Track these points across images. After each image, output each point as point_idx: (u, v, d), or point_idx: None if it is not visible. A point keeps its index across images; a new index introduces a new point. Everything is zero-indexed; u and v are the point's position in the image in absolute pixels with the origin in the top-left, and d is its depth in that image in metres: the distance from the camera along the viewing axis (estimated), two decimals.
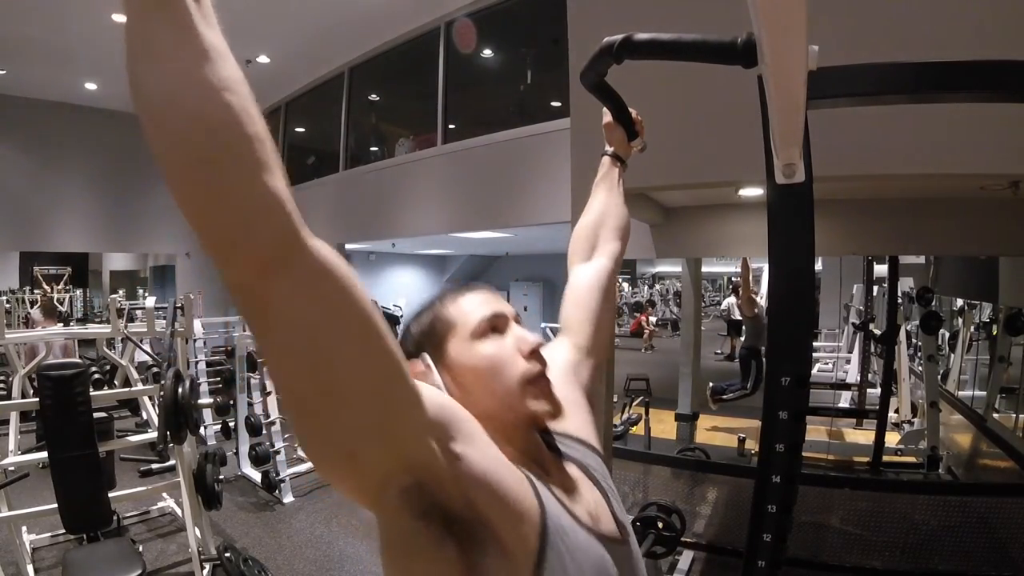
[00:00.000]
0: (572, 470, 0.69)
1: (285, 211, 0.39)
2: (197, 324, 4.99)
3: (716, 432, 4.80)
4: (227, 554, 2.77)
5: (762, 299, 5.33)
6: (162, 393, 2.62)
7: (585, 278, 0.94)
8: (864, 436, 4.19)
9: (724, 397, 4.95)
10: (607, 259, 0.98)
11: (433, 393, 0.53)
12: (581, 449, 0.74)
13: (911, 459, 3.72)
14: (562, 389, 0.71)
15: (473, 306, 0.68)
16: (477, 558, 0.51)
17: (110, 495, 2.69)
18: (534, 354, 0.66)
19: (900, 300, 3.84)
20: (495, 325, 0.67)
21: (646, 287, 13.91)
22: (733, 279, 5.35)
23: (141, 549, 2.62)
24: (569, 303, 0.92)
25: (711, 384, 5.14)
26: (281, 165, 0.39)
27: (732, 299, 6.27)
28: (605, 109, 1.09)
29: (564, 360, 0.83)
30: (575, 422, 0.76)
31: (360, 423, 0.45)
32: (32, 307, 7.71)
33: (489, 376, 0.64)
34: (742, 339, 5.64)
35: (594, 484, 0.70)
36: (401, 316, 6.46)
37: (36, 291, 8.46)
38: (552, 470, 0.66)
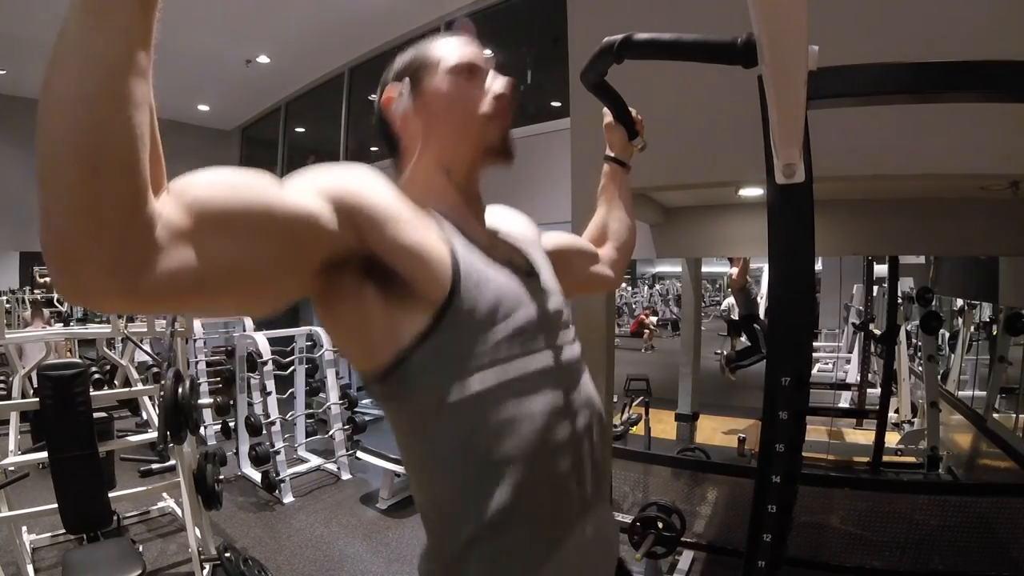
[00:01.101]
0: (503, 239, 0.80)
1: (150, 231, 0.42)
2: (197, 324, 4.99)
3: (716, 432, 4.80)
4: (227, 554, 2.76)
5: (762, 299, 5.33)
6: (162, 393, 2.62)
7: (583, 239, 1.08)
8: (864, 436, 4.19)
9: (741, 364, 4.95)
10: (605, 265, 1.07)
11: (331, 185, 0.58)
12: (520, 240, 0.83)
13: (911, 459, 3.72)
14: (521, 224, 0.88)
15: (456, 47, 0.76)
16: (395, 293, 0.61)
17: (110, 495, 2.69)
18: (501, 98, 0.75)
19: (900, 300, 3.84)
20: (472, 67, 0.75)
21: (646, 287, 13.90)
22: (732, 271, 5.35)
23: (141, 549, 2.62)
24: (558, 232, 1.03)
25: (723, 353, 5.16)
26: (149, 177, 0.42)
27: (731, 299, 6.26)
28: (605, 109, 1.09)
29: (533, 227, 0.94)
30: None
31: (283, 283, 0.55)
32: (32, 307, 7.72)
33: (456, 105, 0.73)
34: (742, 338, 5.64)
35: (522, 251, 0.80)
36: None
37: (36, 291, 8.45)
38: (482, 225, 0.77)
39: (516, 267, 0.74)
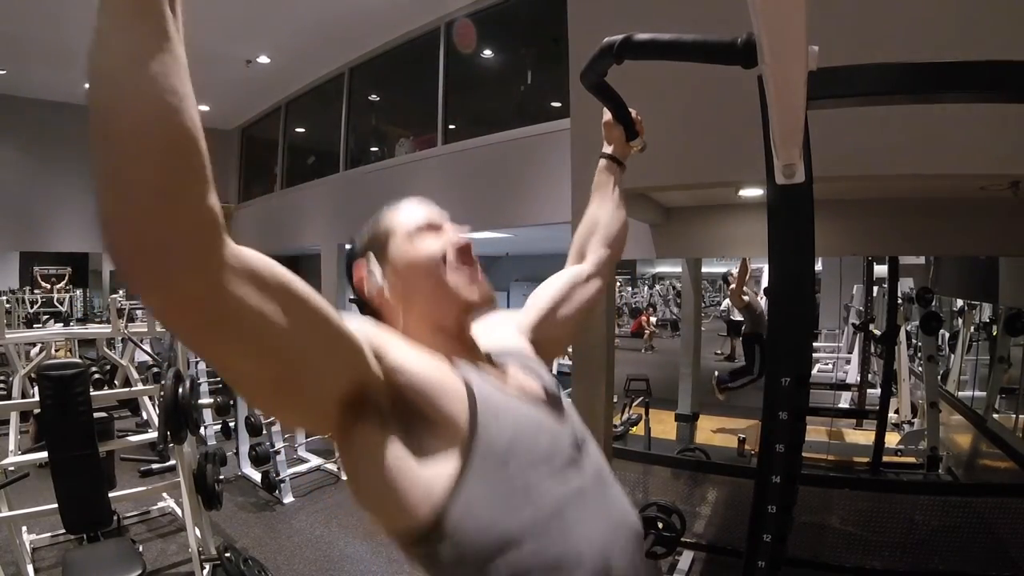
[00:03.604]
0: (503, 361, 0.80)
1: (219, 228, 0.43)
2: None
3: (716, 432, 4.80)
4: (227, 554, 2.76)
5: (761, 299, 5.34)
6: (162, 393, 2.62)
7: (560, 275, 1.05)
8: (864, 436, 4.19)
9: (731, 386, 4.96)
10: (589, 265, 1.06)
11: (363, 327, 0.62)
12: (515, 355, 0.83)
13: (911, 459, 3.72)
14: (506, 330, 0.88)
15: (411, 211, 0.79)
16: (418, 434, 0.61)
17: (110, 495, 2.69)
18: (464, 249, 0.77)
19: (900, 300, 3.84)
20: (431, 226, 0.77)
21: (646, 287, 13.91)
22: (728, 277, 5.34)
23: (141, 549, 2.62)
24: (538, 289, 1.03)
25: (716, 373, 5.18)
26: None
27: (732, 303, 6.28)
28: (605, 110, 1.09)
29: (513, 320, 0.94)
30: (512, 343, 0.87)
31: (317, 381, 0.56)
32: (32, 307, 7.72)
33: (425, 266, 0.74)
34: (741, 339, 5.65)
35: (522, 367, 0.80)
36: None
37: (36, 291, 8.45)
38: (482, 359, 0.77)
39: (529, 395, 0.75)
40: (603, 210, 1.10)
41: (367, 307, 0.79)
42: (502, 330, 0.90)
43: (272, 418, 4.08)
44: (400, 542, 0.64)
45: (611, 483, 0.75)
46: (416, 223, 0.77)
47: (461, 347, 0.75)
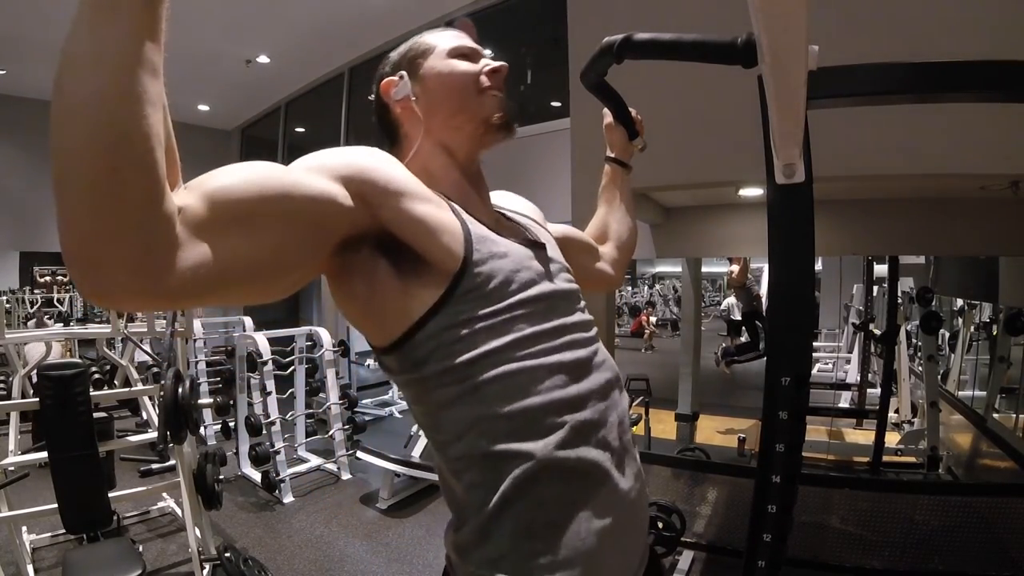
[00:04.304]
0: (509, 220, 0.81)
1: (168, 236, 0.42)
2: (197, 324, 4.99)
3: (716, 432, 4.80)
4: (227, 554, 2.76)
5: (762, 299, 5.35)
6: (162, 393, 2.62)
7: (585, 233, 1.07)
8: (864, 436, 4.19)
9: (737, 359, 4.97)
10: (606, 259, 1.06)
11: (346, 166, 0.59)
12: (527, 221, 0.84)
13: (911, 459, 3.72)
14: (533, 215, 0.89)
15: (450, 35, 0.80)
16: (409, 267, 0.62)
17: (110, 495, 2.68)
18: (498, 72, 0.77)
19: (900, 300, 3.84)
20: (467, 54, 0.78)
21: (646, 287, 13.91)
22: (732, 268, 5.36)
23: (141, 549, 2.62)
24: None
25: (722, 346, 5.20)
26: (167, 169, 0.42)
27: (732, 299, 6.28)
28: (605, 110, 1.09)
29: (562, 230, 0.95)
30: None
31: (303, 265, 0.56)
32: (32, 308, 7.71)
33: (458, 81, 0.75)
34: (741, 339, 5.66)
35: (528, 230, 0.80)
36: None
37: (36, 291, 8.45)
38: (488, 207, 0.78)
39: (525, 241, 0.75)
40: (612, 216, 1.12)
41: (385, 120, 0.79)
42: (522, 205, 0.91)
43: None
44: (377, 353, 0.68)
45: (598, 340, 0.77)
46: (454, 45, 0.77)
47: (467, 180, 0.76)
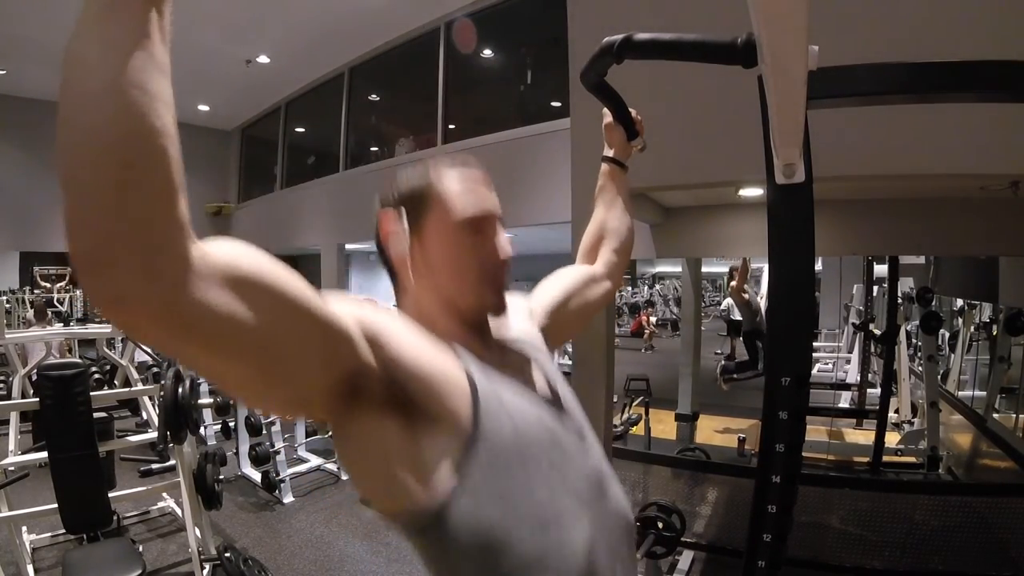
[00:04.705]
0: (511, 352, 0.78)
1: (181, 236, 0.40)
2: None
3: (716, 432, 4.80)
4: (227, 554, 2.76)
5: (762, 299, 5.34)
6: (162, 393, 2.62)
7: (572, 269, 1.05)
8: (864, 436, 4.19)
9: (736, 377, 4.97)
10: (601, 267, 1.07)
11: (358, 311, 0.58)
12: (525, 344, 0.81)
13: (911, 459, 3.72)
14: (518, 315, 0.85)
15: (468, 194, 0.72)
16: (417, 425, 0.60)
17: (110, 495, 2.69)
18: (505, 264, 0.73)
19: (900, 300, 3.84)
20: (482, 225, 0.72)
21: (646, 287, 13.91)
22: (733, 272, 5.37)
23: (141, 549, 2.62)
24: (550, 277, 1.01)
25: (722, 362, 5.20)
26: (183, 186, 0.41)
27: (732, 300, 6.29)
28: (605, 110, 1.09)
29: (524, 304, 0.92)
30: (523, 330, 0.85)
31: (305, 376, 0.53)
32: (32, 308, 7.71)
33: (462, 264, 0.71)
34: (741, 338, 5.67)
35: (531, 361, 0.78)
36: None
37: (36, 291, 8.45)
38: (491, 347, 0.74)
39: (529, 383, 0.74)
40: (610, 216, 1.11)
41: (382, 253, 0.75)
42: (514, 315, 0.86)
43: (265, 414, 4.08)
44: (401, 529, 0.64)
45: (609, 479, 0.75)
46: (471, 213, 0.71)
47: (471, 332, 0.73)
